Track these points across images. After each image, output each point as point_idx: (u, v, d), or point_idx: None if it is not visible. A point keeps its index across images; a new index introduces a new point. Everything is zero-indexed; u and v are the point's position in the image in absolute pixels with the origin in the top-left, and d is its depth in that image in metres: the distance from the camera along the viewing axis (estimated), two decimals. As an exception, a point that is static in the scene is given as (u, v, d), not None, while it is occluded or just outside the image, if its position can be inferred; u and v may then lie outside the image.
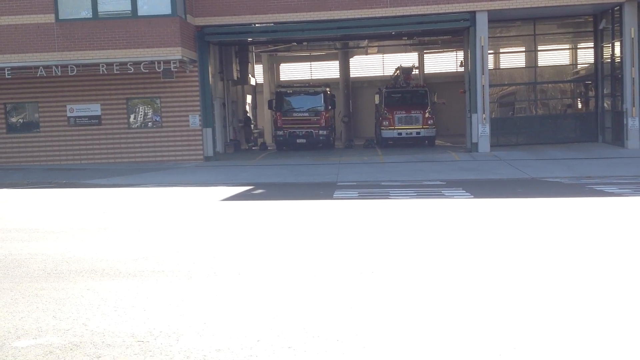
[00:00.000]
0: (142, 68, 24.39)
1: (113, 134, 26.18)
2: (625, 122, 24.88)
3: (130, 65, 24.29)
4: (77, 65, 24.32)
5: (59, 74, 24.50)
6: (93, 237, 10.16)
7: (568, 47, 31.31)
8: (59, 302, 6.40)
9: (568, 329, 5.30)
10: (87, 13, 24.18)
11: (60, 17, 24.01)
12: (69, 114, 26.20)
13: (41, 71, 24.39)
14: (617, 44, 25.60)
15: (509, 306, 5.99)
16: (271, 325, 5.53)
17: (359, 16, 25.62)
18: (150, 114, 26.36)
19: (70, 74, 24.53)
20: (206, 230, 10.88)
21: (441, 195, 15.30)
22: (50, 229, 11.02)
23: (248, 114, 37.23)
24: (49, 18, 23.96)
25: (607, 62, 26.88)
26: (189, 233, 10.59)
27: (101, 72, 24.70)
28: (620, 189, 15.41)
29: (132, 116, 26.33)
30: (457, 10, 25.29)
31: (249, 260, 8.26)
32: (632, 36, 24.38)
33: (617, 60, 25.75)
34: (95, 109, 26.14)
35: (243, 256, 8.52)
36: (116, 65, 24.35)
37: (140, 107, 26.35)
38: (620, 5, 24.73)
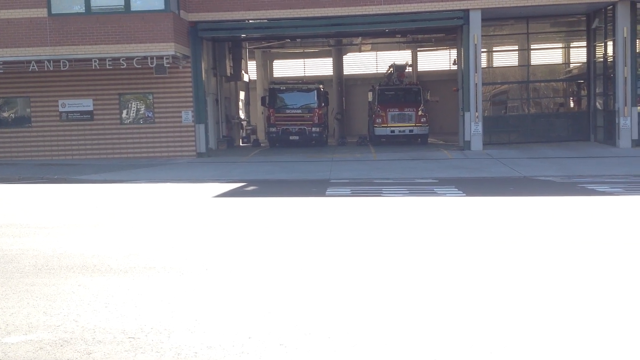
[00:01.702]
0: (134, 63, 24.30)
1: (105, 130, 26.09)
2: (617, 122, 24.97)
3: (123, 60, 24.21)
4: (70, 60, 24.22)
5: (51, 68, 24.39)
6: (84, 233, 10.13)
7: (561, 46, 31.40)
8: (49, 298, 6.38)
9: (559, 328, 5.31)
10: (80, 8, 24.08)
11: (52, 12, 23.89)
12: (60, 109, 26.08)
13: (33, 66, 24.28)
14: (610, 44, 25.68)
15: (500, 305, 6.00)
16: (263, 322, 5.53)
17: (353, 13, 25.60)
18: (142, 109, 26.28)
19: (62, 68, 24.42)
20: (198, 227, 10.86)
21: (433, 193, 15.32)
22: (41, 225, 10.97)
23: (240, 112, 37.14)
24: (42, 12, 23.84)
25: (600, 62, 26.97)
26: (181, 229, 10.57)
27: (94, 67, 24.60)
28: (612, 187, 15.47)
29: (124, 112, 26.24)
30: (451, 9, 25.31)
31: (241, 257, 8.25)
32: (625, 35, 24.46)
33: (610, 59, 25.83)
34: (87, 104, 26.04)
35: (235, 253, 8.51)
36: (109, 61, 24.25)
37: (133, 103, 26.27)
38: (613, 4, 24.81)
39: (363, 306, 5.98)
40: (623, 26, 24.48)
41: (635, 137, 24.87)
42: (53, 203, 14.55)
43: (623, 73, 24.64)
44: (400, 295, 6.34)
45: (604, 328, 5.31)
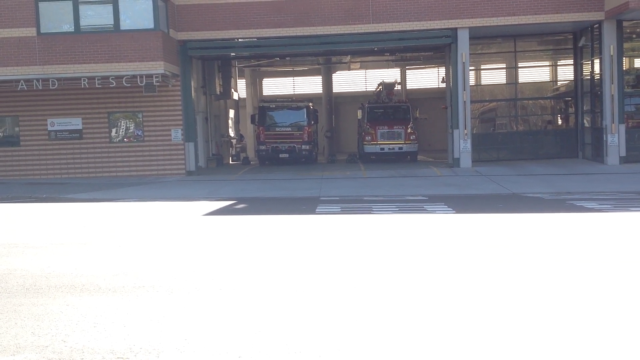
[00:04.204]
0: (124, 82, 24.29)
1: (94, 148, 26.01)
2: (604, 139, 25.14)
3: (112, 79, 24.19)
4: (59, 79, 24.17)
5: (40, 87, 24.34)
6: (73, 252, 10.06)
7: (548, 64, 31.65)
8: (37, 318, 6.32)
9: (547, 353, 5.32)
10: (69, 27, 24.08)
11: (41, 31, 23.89)
12: (49, 128, 26.00)
13: (22, 85, 24.21)
14: (597, 61, 25.92)
15: (488, 325, 5.99)
16: (253, 341, 5.50)
17: (342, 32, 25.76)
18: (132, 128, 26.23)
19: (51, 87, 24.37)
20: (188, 245, 10.81)
21: (423, 210, 15.33)
22: (29, 244, 10.90)
23: (229, 130, 37.14)
24: (31, 32, 23.83)
25: (587, 79, 27.20)
26: (171, 248, 10.52)
27: (83, 86, 24.55)
28: (600, 204, 15.55)
29: (113, 130, 26.19)
30: (439, 27, 25.51)
31: (231, 275, 8.21)
32: (611, 53, 24.70)
33: (597, 77, 26.06)
34: (76, 123, 25.98)
35: (225, 271, 8.47)
36: (98, 79, 24.23)
37: (122, 121, 26.23)
38: (600, 23, 25.07)
39: (353, 324, 5.96)
40: (609, 44, 24.73)
41: (623, 154, 25.04)
42: (41, 222, 14.45)
43: (610, 90, 24.86)
44: (391, 312, 6.32)
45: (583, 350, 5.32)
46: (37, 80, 24.06)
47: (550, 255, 9.29)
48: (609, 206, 15.20)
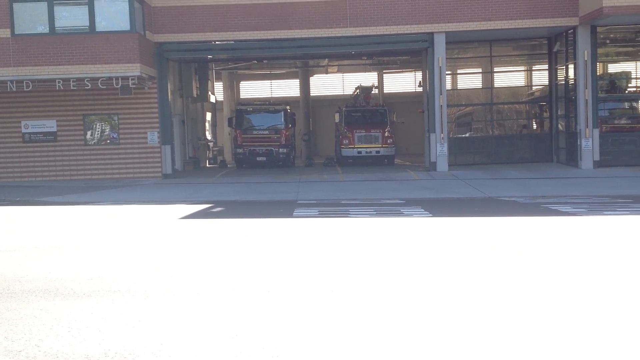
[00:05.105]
0: (99, 84, 24.09)
1: (69, 151, 25.75)
2: (579, 143, 25.43)
3: (87, 81, 23.98)
4: (33, 81, 23.91)
5: (14, 89, 24.05)
6: (47, 256, 9.95)
7: (523, 68, 31.98)
8: (11, 322, 6.24)
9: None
10: (43, 28, 23.84)
11: (16, 32, 23.61)
12: (23, 130, 25.70)
13: (-5, 86, 23.93)
14: (571, 66, 26.23)
15: (462, 328, 6.03)
16: (229, 345, 5.48)
17: (320, 35, 25.79)
18: (107, 130, 26.01)
19: (25, 89, 24.11)
20: (164, 249, 10.74)
21: (400, 214, 15.39)
22: (2, 248, 10.75)
23: (206, 133, 37.00)
24: (5, 33, 23.55)
25: (561, 84, 27.51)
26: (147, 252, 10.45)
27: (57, 88, 24.32)
28: (574, 208, 15.72)
29: (89, 133, 25.95)
30: (416, 32, 25.66)
31: (208, 279, 8.17)
32: (586, 59, 25.02)
33: (571, 82, 26.37)
34: (51, 125, 25.70)
35: (201, 275, 8.43)
36: (73, 81, 24.00)
37: (98, 124, 26.00)
38: (574, 28, 25.38)
39: (330, 328, 5.96)
40: (584, 49, 25.04)
41: (597, 158, 25.33)
42: (15, 225, 14.27)
43: (584, 95, 25.16)
44: (367, 316, 6.33)
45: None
46: (11, 81, 23.78)
47: (525, 258, 9.37)
48: (582, 210, 15.38)
